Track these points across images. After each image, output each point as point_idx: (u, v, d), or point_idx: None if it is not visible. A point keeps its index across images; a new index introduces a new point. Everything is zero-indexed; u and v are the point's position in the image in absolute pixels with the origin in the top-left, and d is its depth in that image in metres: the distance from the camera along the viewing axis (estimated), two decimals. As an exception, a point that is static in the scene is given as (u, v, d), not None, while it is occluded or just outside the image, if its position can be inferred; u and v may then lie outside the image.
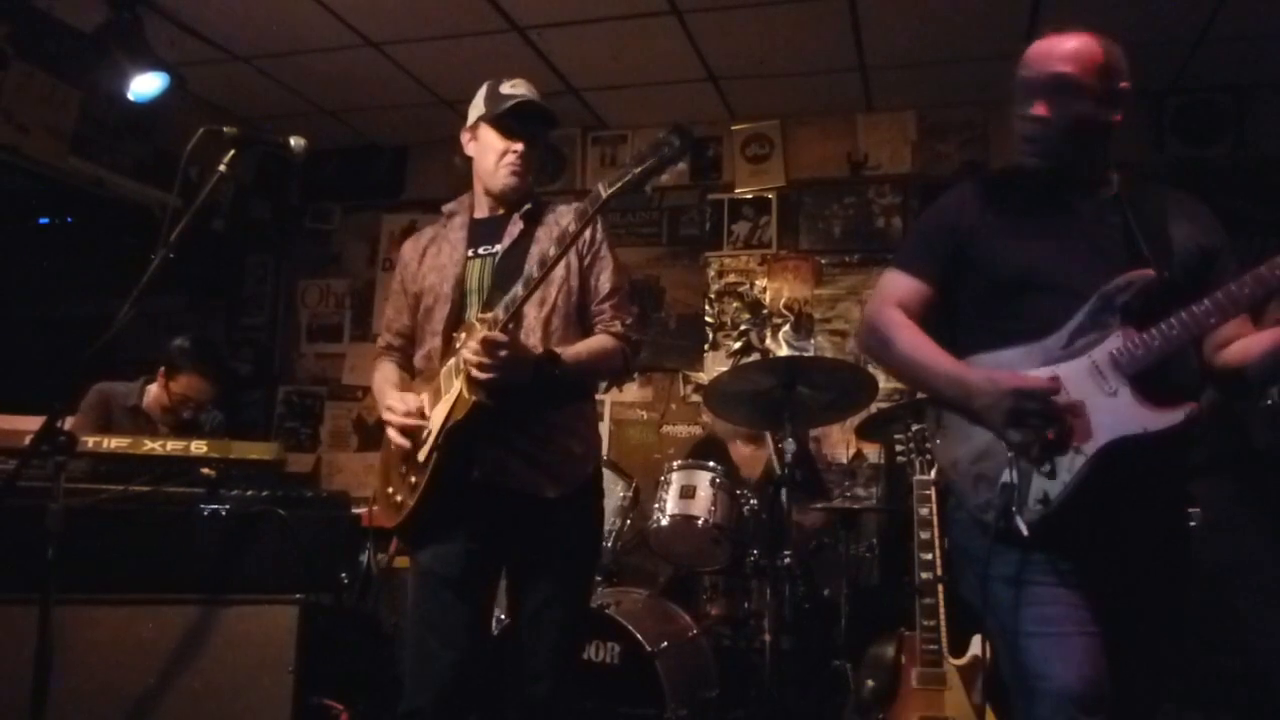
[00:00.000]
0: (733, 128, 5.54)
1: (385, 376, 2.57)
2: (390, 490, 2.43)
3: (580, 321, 2.42)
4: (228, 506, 2.68)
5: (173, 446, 2.71)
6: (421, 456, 2.30)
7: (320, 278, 6.14)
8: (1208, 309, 1.73)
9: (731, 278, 5.51)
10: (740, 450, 4.43)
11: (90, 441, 2.63)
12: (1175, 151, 4.86)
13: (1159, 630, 1.88)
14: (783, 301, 5.40)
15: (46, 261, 5.83)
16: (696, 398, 5.29)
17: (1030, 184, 1.99)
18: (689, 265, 5.55)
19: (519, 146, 2.41)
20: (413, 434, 2.33)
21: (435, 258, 2.48)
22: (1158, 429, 1.73)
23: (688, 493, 3.78)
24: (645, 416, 5.48)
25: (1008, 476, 1.77)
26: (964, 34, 4.50)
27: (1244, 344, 1.87)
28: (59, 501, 2.15)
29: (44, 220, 5.80)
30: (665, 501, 3.80)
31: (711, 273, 5.52)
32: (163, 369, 3.78)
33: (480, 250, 2.43)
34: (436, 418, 2.28)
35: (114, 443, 2.70)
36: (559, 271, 2.34)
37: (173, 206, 2.20)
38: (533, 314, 2.34)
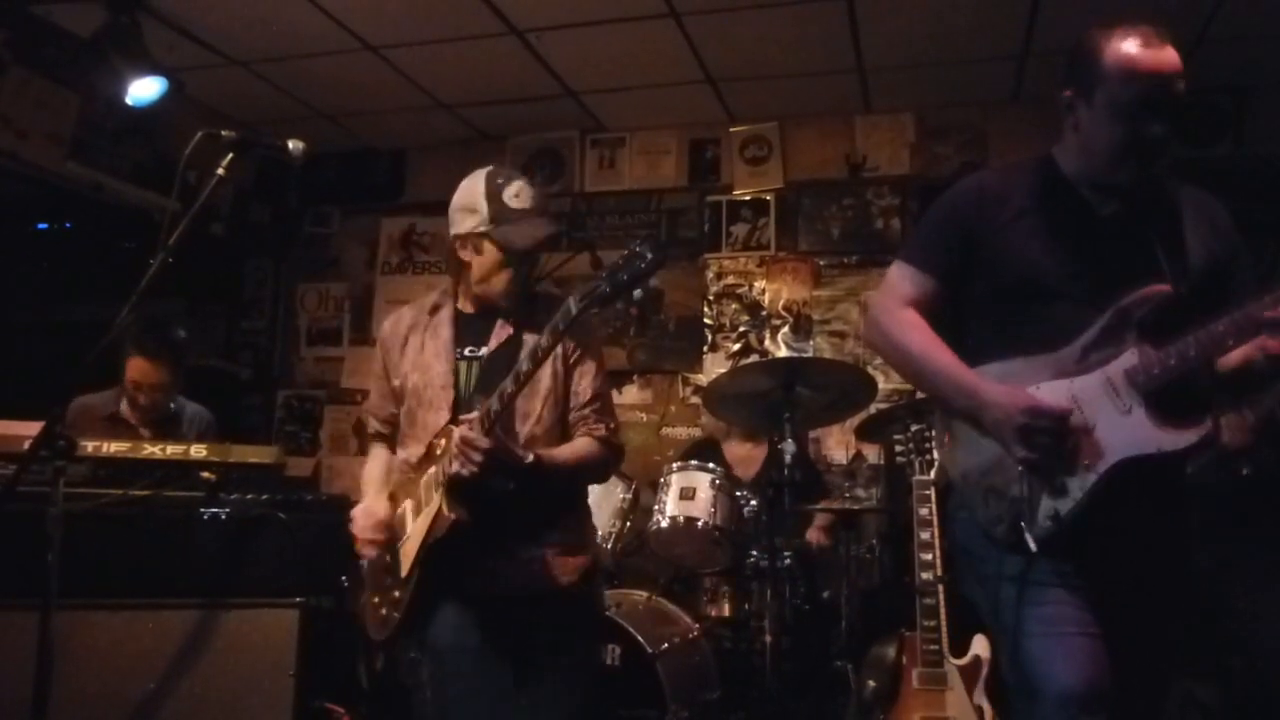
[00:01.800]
0: (731, 129, 5.54)
1: (370, 472, 2.49)
2: (376, 601, 2.35)
3: (563, 432, 2.34)
4: (228, 510, 2.68)
5: (172, 451, 2.71)
6: (404, 571, 2.25)
7: (319, 281, 6.14)
8: (1225, 330, 1.69)
9: (730, 279, 5.51)
10: (735, 450, 4.43)
11: (90, 446, 2.63)
12: (1175, 152, 4.83)
13: (1160, 631, 1.88)
14: (781, 303, 5.40)
15: (45, 266, 5.83)
16: (696, 400, 5.28)
17: (1050, 184, 1.95)
18: (688, 267, 5.55)
19: (531, 272, 2.36)
20: (386, 545, 2.30)
21: (419, 353, 2.39)
22: (1172, 449, 1.72)
23: (688, 494, 3.78)
24: (645, 418, 5.47)
25: (1018, 491, 1.77)
26: (962, 36, 4.50)
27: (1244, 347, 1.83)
28: (58, 506, 2.15)
29: (42, 225, 5.80)
30: (665, 503, 3.80)
31: (710, 275, 5.52)
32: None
33: (467, 351, 2.35)
34: (418, 531, 2.22)
35: (114, 447, 2.69)
36: (545, 383, 2.27)
37: (171, 210, 2.20)
38: (518, 427, 2.26)
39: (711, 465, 3.88)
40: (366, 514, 2.33)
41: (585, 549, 2.36)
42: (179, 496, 2.67)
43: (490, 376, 2.23)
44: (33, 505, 2.14)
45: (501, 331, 2.34)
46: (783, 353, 5.27)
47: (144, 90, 4.34)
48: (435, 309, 2.44)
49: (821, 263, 5.39)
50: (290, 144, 2.29)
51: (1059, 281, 1.86)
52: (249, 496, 2.71)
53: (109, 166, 4.95)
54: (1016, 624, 1.79)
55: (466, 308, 2.41)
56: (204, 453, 2.74)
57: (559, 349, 2.26)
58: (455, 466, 2.08)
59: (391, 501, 2.37)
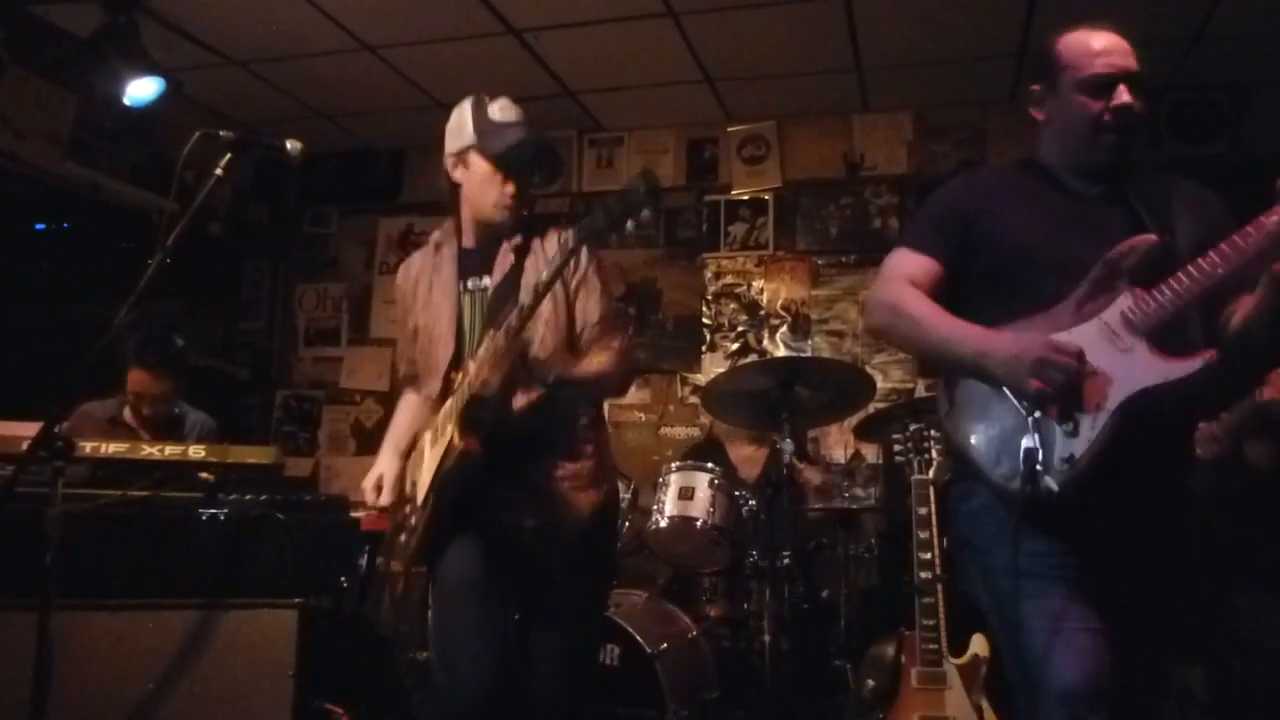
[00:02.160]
0: (729, 129, 5.54)
1: (397, 420, 2.63)
2: (397, 527, 2.48)
3: (569, 345, 2.39)
4: (226, 511, 2.67)
5: (170, 451, 2.71)
6: (419, 500, 2.36)
7: (318, 281, 6.13)
8: (1214, 260, 1.72)
9: (729, 279, 5.51)
10: (740, 450, 4.43)
11: (88, 447, 2.62)
12: (1172, 149, 4.86)
13: (1162, 627, 1.88)
14: (780, 302, 5.40)
15: (43, 266, 5.82)
16: (694, 399, 5.28)
17: (1036, 176, 2.01)
18: (686, 267, 5.55)
19: (517, 185, 2.39)
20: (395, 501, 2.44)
21: (428, 293, 2.48)
22: (1178, 377, 1.72)
23: (686, 494, 3.78)
24: (643, 418, 5.47)
25: (1030, 441, 1.75)
26: (960, 34, 4.50)
27: (1242, 307, 1.85)
28: (57, 507, 2.14)
29: (40, 225, 5.79)
30: (664, 503, 3.80)
31: (708, 274, 5.52)
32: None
33: (470, 284, 2.42)
34: (431, 461, 2.32)
35: (112, 448, 2.69)
36: (544, 305, 2.28)
37: (169, 211, 2.20)
38: None
39: (710, 465, 3.88)
40: (374, 481, 2.45)
41: (603, 482, 2.42)
42: (177, 497, 2.66)
43: (496, 308, 2.31)
44: (31, 506, 2.14)
45: (504, 260, 2.39)
46: (781, 352, 5.27)
47: (142, 90, 4.33)
48: (439, 246, 2.51)
49: (820, 262, 5.39)
50: (288, 144, 2.29)
51: (1049, 255, 1.90)
52: (247, 497, 2.71)
53: (107, 166, 4.95)
54: (1019, 617, 1.79)
55: (468, 242, 2.47)
56: (202, 453, 2.74)
57: (564, 282, 2.35)
58: (477, 384, 2.13)
59: (416, 440, 2.49)
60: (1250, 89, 4.86)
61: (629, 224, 2.02)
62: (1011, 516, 1.78)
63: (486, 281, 2.39)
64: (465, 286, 2.43)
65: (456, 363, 2.36)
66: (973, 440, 1.89)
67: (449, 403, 2.30)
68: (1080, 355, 1.75)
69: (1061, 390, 1.74)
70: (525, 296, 2.14)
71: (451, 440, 2.21)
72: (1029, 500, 1.74)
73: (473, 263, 2.44)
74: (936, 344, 1.95)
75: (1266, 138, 4.79)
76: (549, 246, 2.36)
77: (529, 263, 2.37)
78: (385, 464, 2.50)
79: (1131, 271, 1.79)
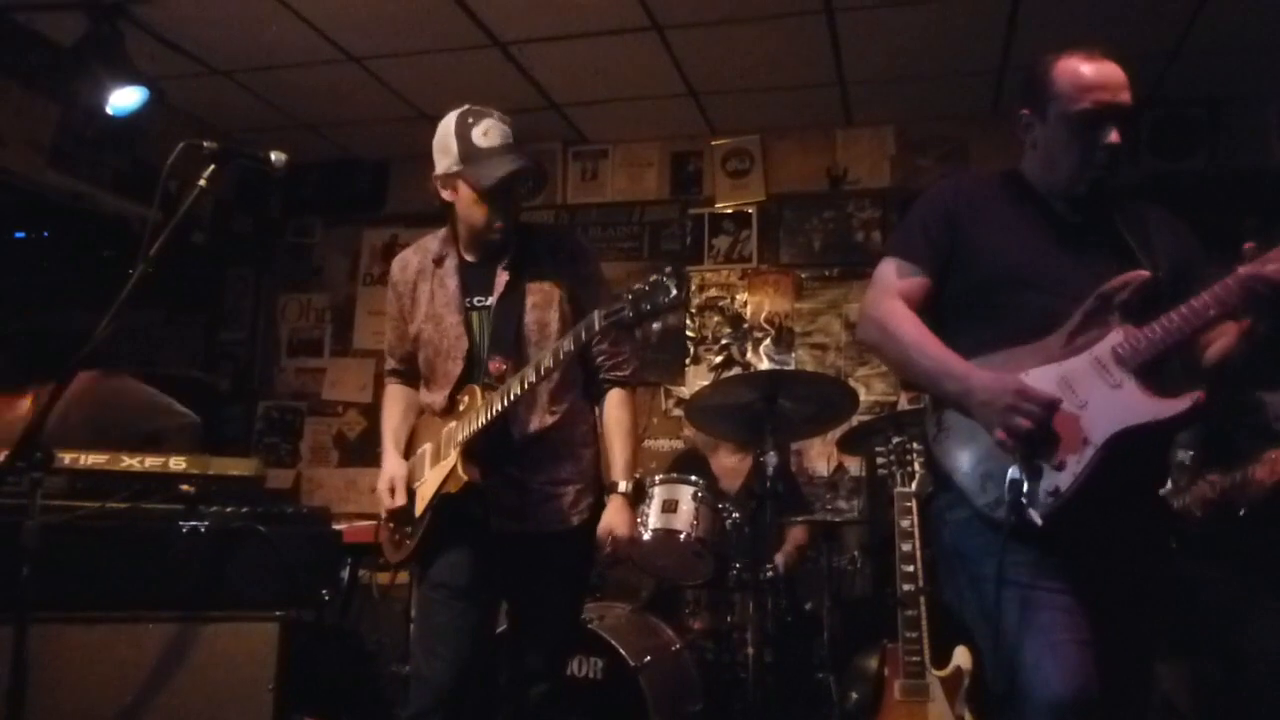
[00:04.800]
0: (713, 142, 5.57)
1: (389, 416, 2.63)
2: (391, 528, 2.52)
3: (578, 357, 2.43)
4: (207, 523, 2.65)
5: (151, 463, 2.69)
6: (417, 511, 2.41)
7: (301, 292, 6.11)
8: (1206, 301, 1.75)
9: (712, 292, 5.53)
10: (722, 462, 4.43)
11: (67, 457, 2.60)
12: (1150, 165, 4.91)
13: (1145, 637, 1.91)
14: (763, 315, 5.41)
15: (23, 275, 5.77)
16: (678, 412, 5.29)
17: (1021, 192, 2.04)
18: (670, 279, 5.55)
19: (504, 217, 2.42)
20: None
21: (430, 303, 2.49)
22: (1166, 417, 1.75)
23: (670, 507, 3.77)
24: (627, 430, 5.45)
25: (1016, 473, 1.78)
26: (941, 50, 4.54)
27: (1222, 336, 1.89)
28: (35, 518, 2.12)
29: (20, 234, 5.74)
30: (647, 516, 3.79)
31: (692, 287, 5.52)
32: None
33: (476, 301, 2.46)
34: (433, 479, 2.37)
35: (91, 459, 2.66)
36: (553, 327, 2.40)
37: (152, 220, 2.19)
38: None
39: (693, 478, 3.87)
40: (388, 483, 2.47)
41: (599, 486, 2.51)
42: (157, 509, 2.64)
43: (499, 326, 2.39)
44: (9, 518, 2.11)
45: (501, 278, 2.43)
46: (764, 365, 5.28)
47: (125, 99, 4.32)
48: (440, 259, 2.52)
49: (803, 275, 5.41)
50: (272, 154, 2.29)
51: (1034, 273, 1.92)
52: (228, 509, 2.69)
53: (89, 175, 4.92)
54: (1009, 628, 1.80)
55: (469, 256, 2.51)
56: (183, 465, 2.72)
57: (568, 289, 2.43)
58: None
59: (413, 437, 2.55)
60: (1227, 104, 4.92)
61: (655, 324, 2.07)
62: (995, 537, 1.80)
63: (490, 301, 2.44)
64: (472, 303, 2.45)
65: (465, 380, 2.40)
66: (959, 467, 1.92)
67: (453, 424, 2.36)
68: (1051, 404, 1.77)
69: (1029, 436, 1.76)
70: (539, 363, 2.20)
71: (454, 469, 2.28)
72: (1014, 531, 1.77)
73: (475, 279, 2.47)
74: (922, 374, 1.98)
75: (1243, 152, 4.86)
76: (545, 260, 2.44)
77: (532, 284, 2.43)
78: (394, 466, 2.51)
79: (1124, 306, 1.82)
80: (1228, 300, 1.75)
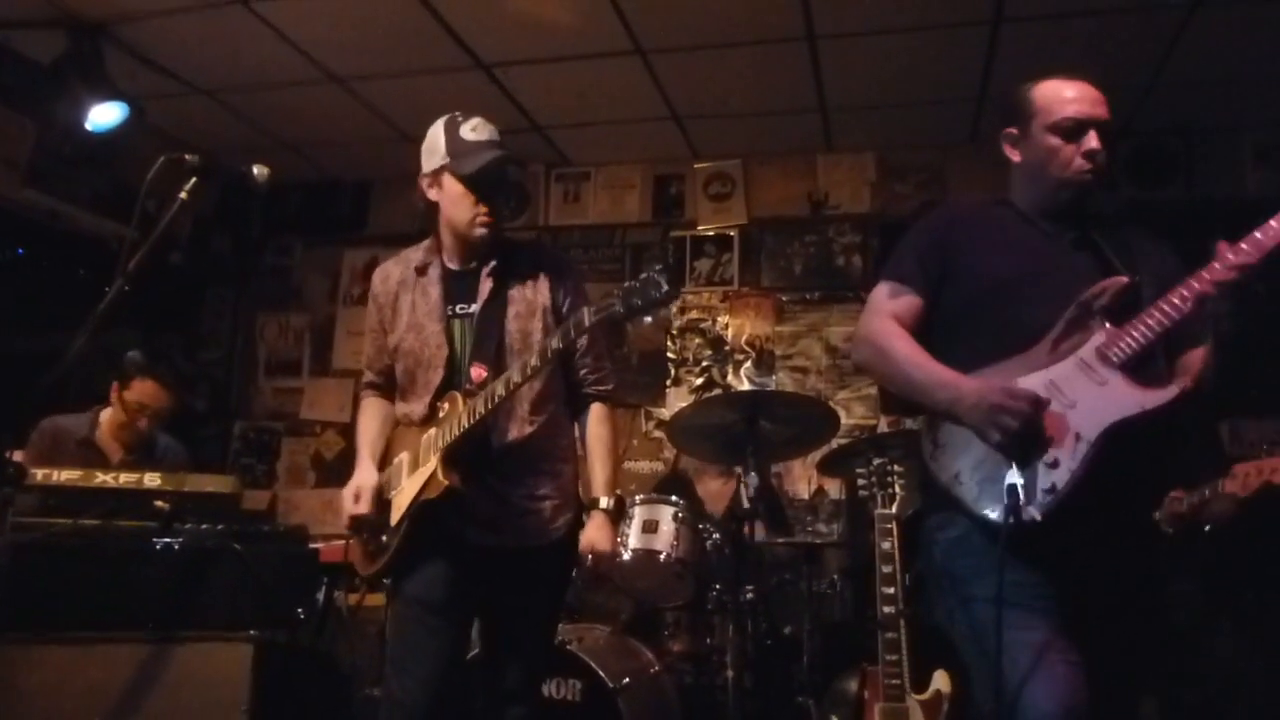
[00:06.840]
0: (695, 166, 5.61)
1: (365, 430, 2.60)
2: (365, 539, 2.48)
3: (560, 368, 2.47)
4: (181, 540, 2.63)
5: (125, 479, 2.66)
6: (393, 521, 2.37)
7: (280, 312, 6.08)
8: (1184, 295, 1.81)
9: (693, 314, 5.54)
10: (707, 486, 4.43)
11: (39, 474, 2.57)
12: (1128, 194, 4.97)
13: (1133, 658, 1.92)
14: (744, 338, 5.43)
15: (-2, 294, 5.72)
16: (659, 433, 5.29)
17: (1010, 215, 2.10)
18: (651, 302, 5.55)
19: (490, 204, 2.42)
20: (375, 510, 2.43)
21: (411, 313, 2.49)
22: (1155, 405, 1.79)
23: (650, 527, 3.75)
24: (607, 453, 5.44)
25: (1013, 476, 1.80)
26: (922, 78, 4.60)
27: (1192, 358, 1.97)
28: (5, 536, 2.09)
29: (-5, 253, 5.69)
30: (627, 536, 3.77)
31: (673, 309, 5.54)
32: (116, 383, 3.70)
33: (459, 308, 2.46)
34: (411, 486, 2.35)
35: (64, 475, 2.64)
36: (536, 335, 2.40)
37: (130, 238, 2.17)
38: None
39: (674, 498, 3.86)
40: (354, 490, 2.43)
41: (576, 502, 2.50)
42: (131, 526, 2.62)
43: (482, 334, 2.39)
44: (-21, 534, 2.08)
45: (484, 285, 2.43)
46: (745, 387, 5.28)
47: (104, 116, 4.29)
48: (424, 268, 2.52)
49: (784, 298, 5.44)
50: (254, 169, 2.30)
51: (1023, 288, 1.98)
52: (204, 527, 2.67)
53: (66, 194, 4.88)
54: (997, 647, 1.80)
55: (453, 264, 2.50)
56: (158, 481, 2.70)
57: (550, 298, 2.44)
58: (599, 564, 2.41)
59: (388, 450, 2.51)
60: (1202, 134, 5.00)
61: (647, 319, 2.10)
62: (996, 547, 1.80)
63: (473, 308, 2.43)
64: (454, 311, 2.45)
65: (445, 388, 2.39)
66: (959, 479, 1.94)
67: (433, 431, 2.34)
68: (1036, 401, 1.82)
69: (1018, 435, 1.80)
70: (525, 363, 2.21)
71: (434, 474, 2.25)
72: (1013, 533, 1.78)
73: (459, 286, 2.47)
74: (915, 387, 2.02)
75: (1218, 181, 4.93)
76: (529, 268, 2.46)
77: (513, 291, 2.44)
78: (365, 475, 2.48)
79: (1105, 310, 1.88)
80: (1204, 290, 1.79)
